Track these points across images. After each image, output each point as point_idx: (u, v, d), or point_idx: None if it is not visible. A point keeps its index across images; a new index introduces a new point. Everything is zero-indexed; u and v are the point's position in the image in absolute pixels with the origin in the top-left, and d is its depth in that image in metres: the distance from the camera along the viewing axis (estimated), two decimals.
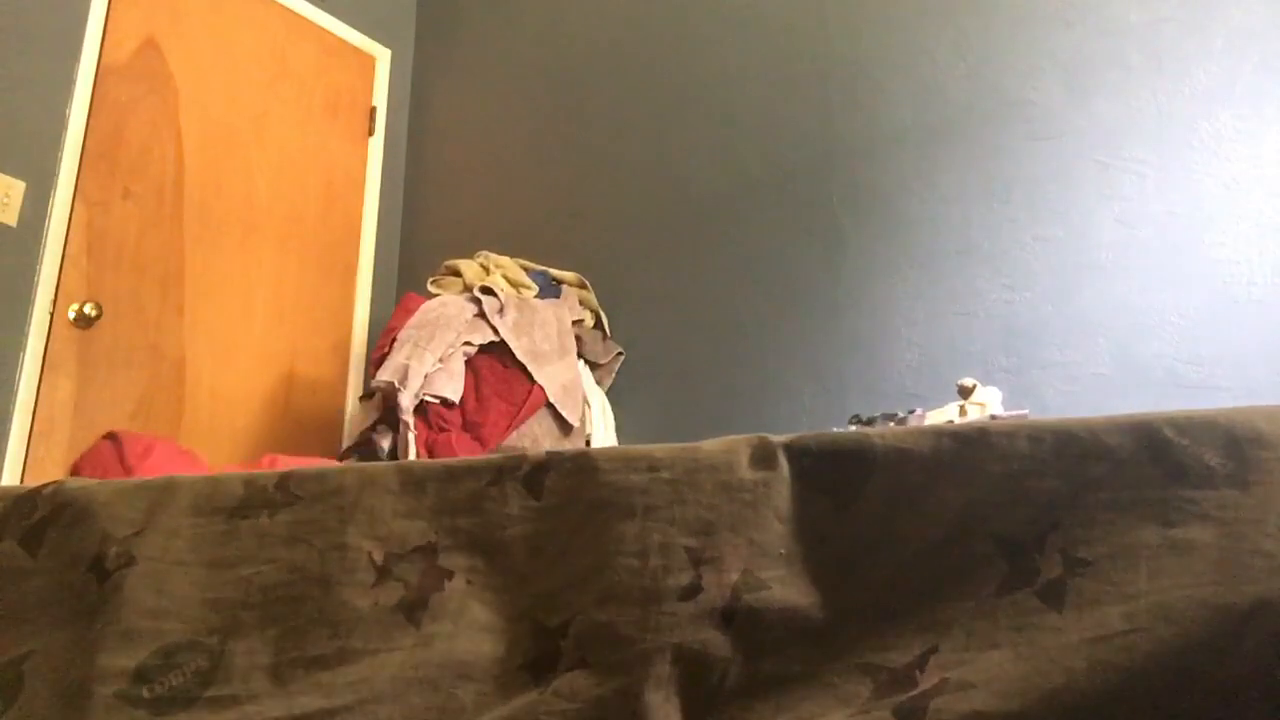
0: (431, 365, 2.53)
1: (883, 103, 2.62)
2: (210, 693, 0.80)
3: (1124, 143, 2.23)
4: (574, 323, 2.91)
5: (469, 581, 0.83)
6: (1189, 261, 2.11)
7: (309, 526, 0.88)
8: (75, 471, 2.43)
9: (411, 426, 2.45)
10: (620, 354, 2.97)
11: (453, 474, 0.89)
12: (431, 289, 2.93)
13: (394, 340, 2.62)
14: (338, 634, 0.81)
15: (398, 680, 0.77)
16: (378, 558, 0.85)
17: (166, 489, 0.92)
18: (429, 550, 0.85)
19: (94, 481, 0.96)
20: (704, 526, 0.80)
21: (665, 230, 2.98)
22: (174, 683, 0.80)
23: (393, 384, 2.46)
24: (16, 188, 2.71)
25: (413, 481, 0.89)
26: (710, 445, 0.85)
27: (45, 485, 0.97)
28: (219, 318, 3.16)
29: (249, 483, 0.91)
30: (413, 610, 0.82)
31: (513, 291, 2.89)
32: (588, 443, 2.74)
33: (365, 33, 3.83)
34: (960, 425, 0.81)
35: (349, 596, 0.83)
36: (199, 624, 0.84)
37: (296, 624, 0.82)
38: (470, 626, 0.80)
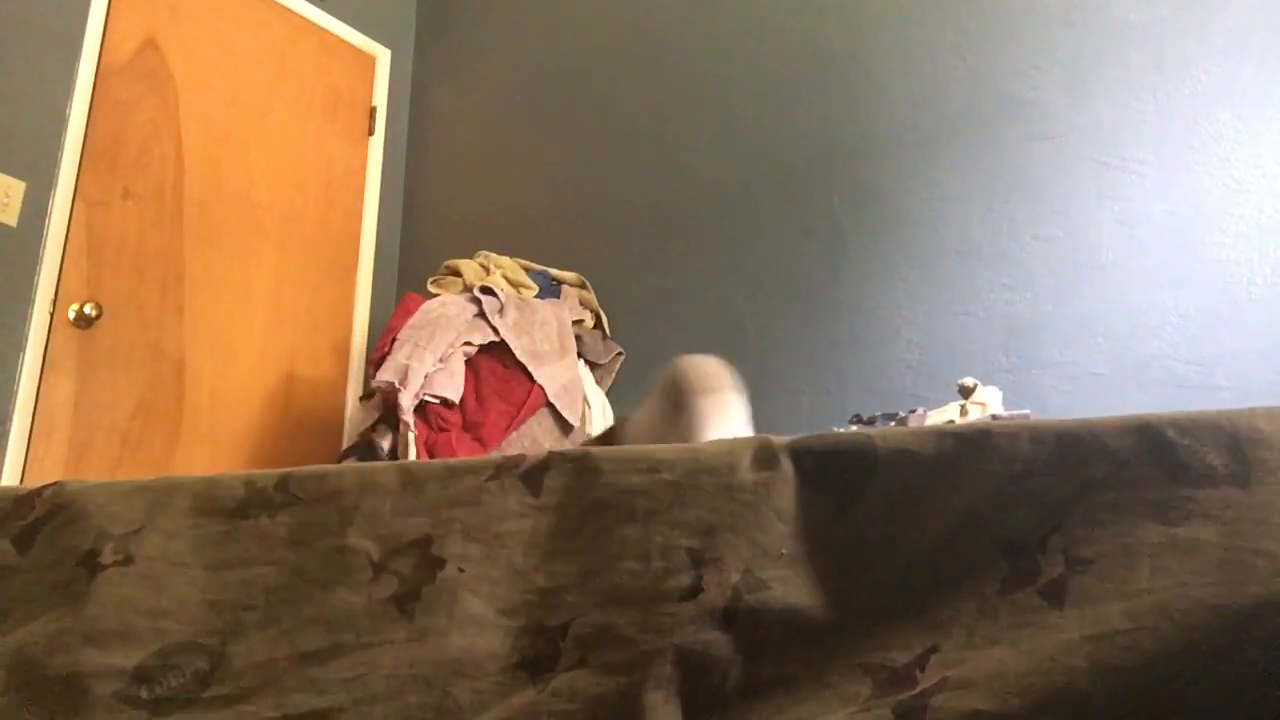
0: (431, 365, 2.53)
1: (883, 103, 2.62)
2: (209, 693, 0.80)
3: (1124, 143, 2.23)
4: (574, 323, 2.90)
5: (461, 570, 0.83)
6: (1189, 261, 2.10)
7: (310, 528, 0.87)
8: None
9: (412, 426, 2.45)
10: (620, 354, 2.97)
11: (453, 472, 0.89)
12: (431, 289, 2.93)
13: (394, 340, 2.62)
14: (334, 632, 0.81)
15: (393, 679, 0.77)
16: (375, 556, 0.85)
17: (167, 490, 0.92)
18: (424, 542, 0.85)
19: (93, 483, 0.96)
20: (705, 528, 0.79)
21: (665, 230, 2.98)
22: (173, 684, 0.80)
23: (393, 384, 2.46)
24: (16, 188, 2.71)
25: (413, 482, 0.89)
26: (712, 446, 0.85)
27: (46, 486, 0.97)
28: (219, 318, 3.15)
29: (249, 483, 0.91)
30: (405, 602, 0.82)
31: (513, 291, 2.89)
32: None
33: (365, 33, 3.82)
34: (962, 426, 0.81)
35: (348, 597, 0.83)
36: (199, 625, 0.83)
37: (297, 625, 0.82)
38: (464, 620, 0.80)
